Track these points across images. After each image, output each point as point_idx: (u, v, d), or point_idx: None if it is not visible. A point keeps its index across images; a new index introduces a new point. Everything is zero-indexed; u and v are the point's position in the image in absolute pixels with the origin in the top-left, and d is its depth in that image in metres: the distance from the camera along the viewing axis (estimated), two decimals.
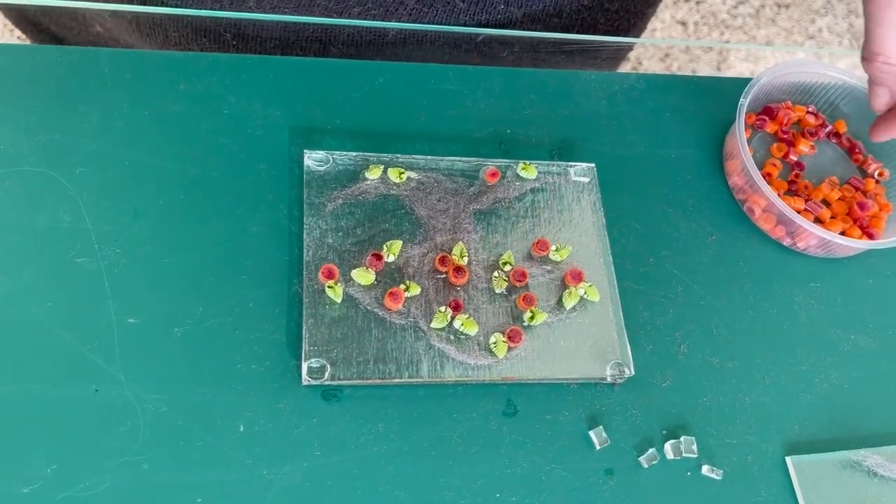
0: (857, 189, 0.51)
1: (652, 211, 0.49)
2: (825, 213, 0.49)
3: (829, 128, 0.54)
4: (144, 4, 0.53)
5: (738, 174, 0.50)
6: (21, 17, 0.64)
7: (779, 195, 0.48)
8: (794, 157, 0.51)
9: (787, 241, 0.49)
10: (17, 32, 0.70)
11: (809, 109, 0.53)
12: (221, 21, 0.52)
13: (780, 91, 0.53)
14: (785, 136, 0.52)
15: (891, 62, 0.44)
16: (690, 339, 0.45)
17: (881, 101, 0.47)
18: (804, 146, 0.52)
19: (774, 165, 0.51)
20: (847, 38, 1.83)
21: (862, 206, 0.49)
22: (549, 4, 0.55)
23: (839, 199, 0.50)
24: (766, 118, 0.52)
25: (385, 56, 0.55)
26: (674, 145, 0.51)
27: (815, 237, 0.47)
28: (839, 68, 0.53)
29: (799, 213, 0.48)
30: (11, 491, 0.36)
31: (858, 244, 0.47)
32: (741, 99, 0.49)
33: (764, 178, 0.49)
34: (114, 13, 0.54)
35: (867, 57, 0.45)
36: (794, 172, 0.51)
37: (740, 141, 0.48)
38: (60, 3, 0.55)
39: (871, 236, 0.49)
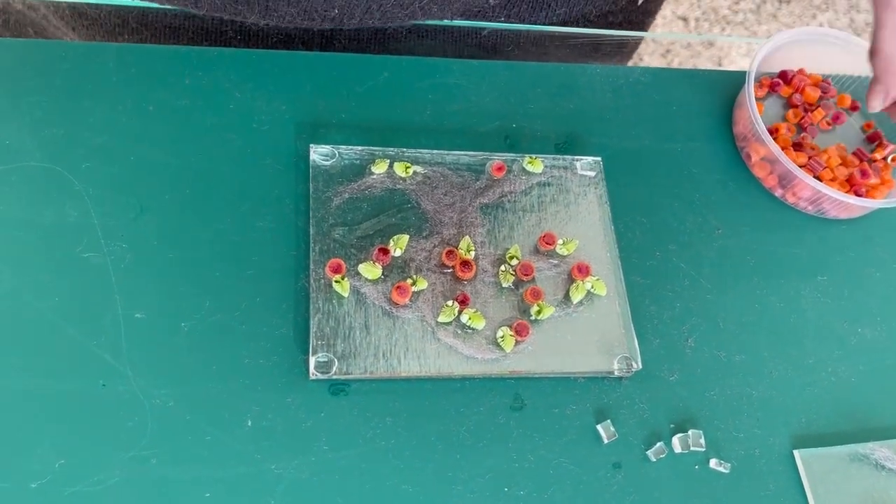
0: (861, 160, 0.51)
1: (658, 205, 0.49)
2: (826, 174, 0.50)
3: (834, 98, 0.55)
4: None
5: (742, 122, 0.51)
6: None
7: (781, 149, 0.49)
8: (808, 122, 0.52)
9: (778, 192, 0.50)
10: None
11: (824, 80, 0.54)
12: (225, 19, 0.52)
13: (800, 57, 0.54)
14: (798, 104, 0.53)
15: (891, 62, 0.45)
16: (697, 332, 0.45)
17: (875, 101, 0.48)
18: (820, 115, 0.52)
19: (787, 129, 0.51)
20: (848, 33, 1.82)
21: (862, 174, 0.50)
22: (555, 20, 0.55)
23: (840, 164, 0.51)
24: (781, 82, 0.53)
25: (388, 50, 0.55)
26: (680, 138, 0.51)
27: (807, 189, 0.48)
28: (866, 44, 0.53)
29: (800, 167, 0.48)
30: (20, 486, 0.36)
31: (846, 199, 0.47)
32: (758, 49, 0.50)
33: (771, 132, 0.50)
34: (110, 32, 0.54)
35: (871, 53, 0.46)
36: (803, 135, 0.52)
37: (748, 88, 0.49)
38: None
39: None
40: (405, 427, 0.40)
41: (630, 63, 0.70)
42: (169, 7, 0.51)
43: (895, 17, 0.43)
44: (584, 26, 0.58)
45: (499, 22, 0.54)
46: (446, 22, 0.54)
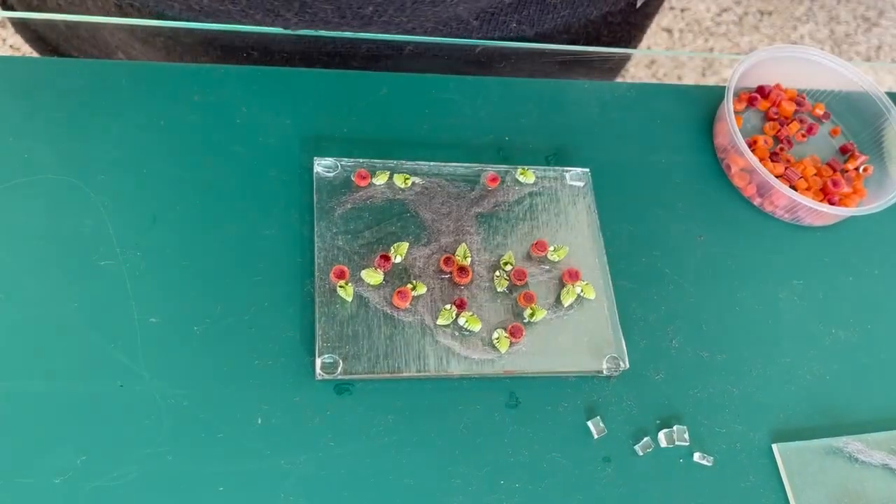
0: (834, 170, 0.54)
1: (644, 213, 0.51)
2: (801, 183, 0.52)
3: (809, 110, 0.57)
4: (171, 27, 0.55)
5: (722, 135, 0.53)
6: (45, 47, 0.65)
7: (759, 160, 0.51)
8: (784, 134, 0.55)
9: (756, 201, 0.53)
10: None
11: (799, 94, 0.57)
12: (250, 41, 0.54)
13: (776, 73, 0.57)
14: (775, 117, 0.55)
15: None
16: (681, 333, 0.48)
17: None
18: (795, 128, 0.55)
19: (765, 141, 0.54)
20: (828, 44, 1.86)
21: (835, 184, 0.52)
22: (560, 22, 0.58)
23: (814, 174, 0.53)
24: (759, 96, 0.56)
25: (389, 68, 0.57)
26: (664, 151, 0.54)
27: (783, 198, 0.51)
28: (839, 60, 0.56)
29: (777, 177, 0.51)
30: (44, 482, 0.37)
31: (820, 207, 0.50)
32: (736, 66, 0.53)
33: (749, 144, 0.53)
34: (144, 41, 0.56)
35: None
36: (780, 146, 0.54)
37: (727, 103, 0.51)
38: (94, 19, 0.57)
39: None
40: (406, 424, 0.42)
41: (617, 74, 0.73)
42: (204, 25, 0.52)
43: None
44: (586, 27, 0.60)
45: (509, 27, 0.56)
46: (440, 40, 0.56)
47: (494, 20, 0.55)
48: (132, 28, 0.55)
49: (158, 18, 0.54)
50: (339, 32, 0.53)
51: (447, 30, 0.55)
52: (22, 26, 0.65)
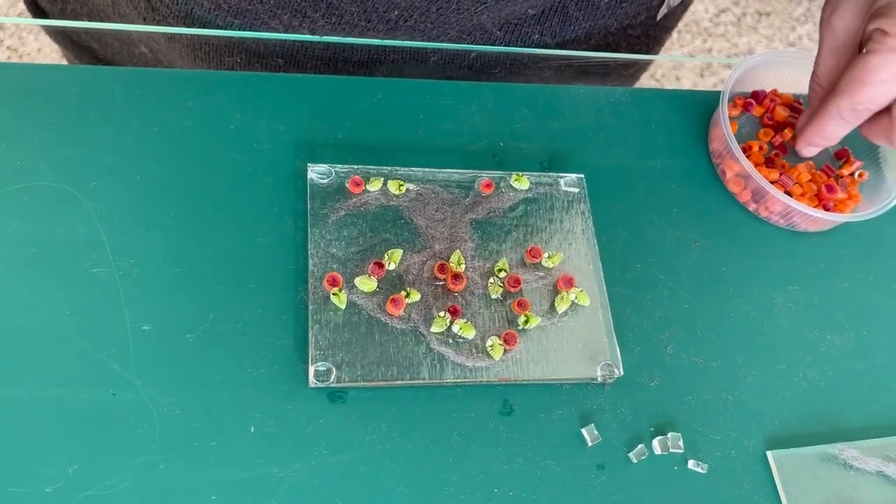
0: (829, 176, 0.54)
1: (638, 219, 0.51)
2: (796, 189, 0.52)
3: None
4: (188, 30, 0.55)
5: (717, 140, 0.53)
6: (62, 35, 0.65)
7: (754, 166, 0.51)
8: (779, 140, 0.55)
9: (751, 207, 0.53)
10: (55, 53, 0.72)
11: (795, 99, 0.57)
12: (275, 47, 0.54)
13: (773, 77, 0.57)
14: (770, 123, 0.55)
15: (819, 83, 0.49)
16: (676, 340, 0.48)
17: (799, 122, 0.51)
18: (790, 133, 0.55)
19: (760, 148, 0.54)
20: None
21: (830, 189, 0.52)
22: (581, 33, 0.58)
23: (809, 180, 0.53)
24: (754, 102, 0.56)
25: (384, 73, 0.57)
26: (659, 156, 0.54)
27: (778, 204, 0.51)
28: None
29: (772, 183, 0.51)
30: (35, 491, 0.37)
31: (815, 213, 0.50)
32: (731, 71, 0.53)
33: (744, 150, 0.53)
34: (170, 38, 0.56)
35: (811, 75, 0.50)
36: (775, 152, 0.54)
37: (722, 108, 0.51)
38: (115, 27, 0.57)
39: None
40: (400, 432, 0.42)
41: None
42: (227, 33, 0.52)
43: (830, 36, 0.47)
44: (605, 38, 0.60)
45: (531, 38, 0.56)
46: (441, 45, 0.56)
47: (518, 31, 0.55)
48: (159, 23, 0.55)
49: (187, 17, 0.54)
50: (365, 39, 0.53)
51: (471, 39, 0.55)
52: (42, 14, 0.65)
